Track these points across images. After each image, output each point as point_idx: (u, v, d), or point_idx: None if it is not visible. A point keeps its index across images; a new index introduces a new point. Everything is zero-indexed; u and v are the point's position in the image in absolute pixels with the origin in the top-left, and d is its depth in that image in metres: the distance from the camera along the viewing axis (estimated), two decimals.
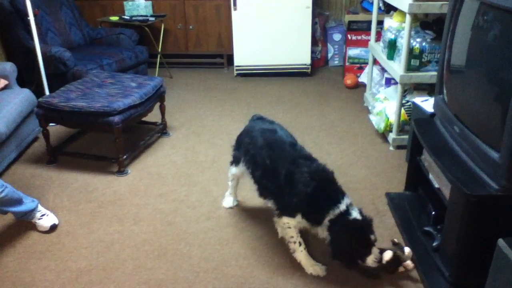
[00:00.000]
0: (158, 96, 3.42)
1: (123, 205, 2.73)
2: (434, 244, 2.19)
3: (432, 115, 2.56)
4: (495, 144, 1.79)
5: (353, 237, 2.02)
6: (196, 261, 2.27)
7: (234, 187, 2.65)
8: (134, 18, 4.83)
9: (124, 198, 2.80)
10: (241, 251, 2.33)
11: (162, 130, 3.61)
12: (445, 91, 2.36)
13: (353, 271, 2.15)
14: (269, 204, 2.26)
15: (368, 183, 2.93)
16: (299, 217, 2.12)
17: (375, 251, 2.04)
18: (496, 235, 1.72)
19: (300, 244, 2.19)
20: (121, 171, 3.06)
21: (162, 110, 3.56)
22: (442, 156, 2.11)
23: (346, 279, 2.14)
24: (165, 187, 2.91)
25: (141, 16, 4.88)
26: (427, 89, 3.39)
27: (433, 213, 2.30)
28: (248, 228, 2.49)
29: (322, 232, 2.11)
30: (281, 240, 2.38)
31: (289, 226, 2.17)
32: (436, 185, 2.23)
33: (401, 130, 3.38)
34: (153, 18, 4.83)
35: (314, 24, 5.06)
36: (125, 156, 3.08)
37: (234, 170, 2.53)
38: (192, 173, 3.08)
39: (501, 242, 1.68)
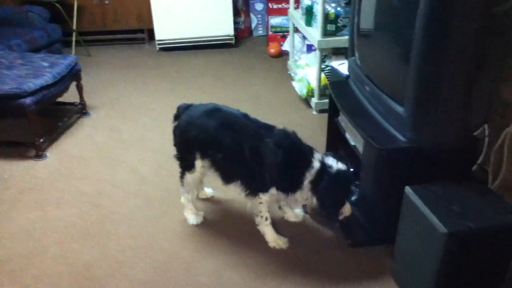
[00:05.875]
0: (73, 75, 3.26)
1: (43, 190, 2.62)
2: (353, 198, 2.31)
3: (348, 77, 2.65)
4: (400, 99, 1.90)
5: (344, 188, 2.05)
6: (124, 239, 2.24)
7: (194, 197, 2.35)
8: None
9: (45, 183, 2.68)
10: (170, 226, 2.33)
11: (81, 110, 3.46)
12: (357, 54, 2.45)
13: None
14: (237, 185, 2.14)
15: None
16: (273, 190, 2.06)
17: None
18: (405, 184, 1.84)
19: (266, 219, 2.17)
20: (39, 156, 2.92)
21: (79, 89, 3.41)
22: (355, 115, 2.20)
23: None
24: (88, 169, 2.82)
25: None
26: (344, 53, 3.49)
27: (352, 170, 2.41)
28: (177, 203, 2.45)
29: (302, 196, 2.06)
30: (209, 211, 2.42)
31: (261, 202, 2.11)
32: (352, 143, 2.33)
33: (322, 94, 3.47)
34: None
35: None
36: (42, 140, 2.94)
37: (190, 177, 2.23)
38: (117, 153, 3.00)
39: (407, 189, 1.81)
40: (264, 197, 2.09)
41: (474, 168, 2.33)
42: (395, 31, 2.01)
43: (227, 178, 2.16)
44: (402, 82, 1.84)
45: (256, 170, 2.02)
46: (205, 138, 2.08)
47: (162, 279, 2.00)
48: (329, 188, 2.00)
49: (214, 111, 2.14)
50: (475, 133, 2.06)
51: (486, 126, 2.24)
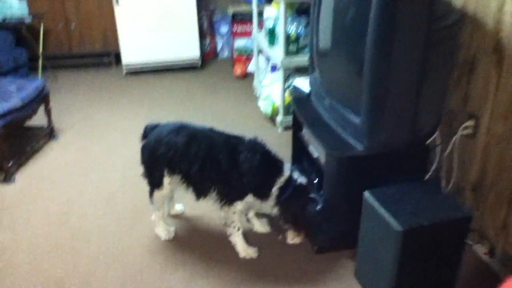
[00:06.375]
0: (41, 98, 3.29)
1: (12, 212, 2.62)
2: (318, 207, 2.42)
3: (309, 93, 2.80)
4: (356, 110, 2.04)
5: (303, 200, 2.16)
6: (94, 255, 2.27)
7: (164, 214, 2.42)
8: (7, 19, 4.54)
9: (13, 206, 2.68)
10: (140, 241, 2.37)
11: (49, 133, 3.47)
12: (317, 70, 2.60)
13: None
14: (212, 197, 2.20)
15: None
16: (249, 197, 2.14)
17: None
18: (364, 189, 1.97)
19: (238, 229, 2.25)
20: (7, 179, 2.91)
21: (48, 112, 3.43)
22: (316, 128, 2.33)
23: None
24: (57, 190, 2.84)
25: (16, 17, 4.61)
26: (307, 71, 3.65)
27: (316, 180, 2.53)
28: (146, 219, 2.50)
29: (270, 203, 2.17)
30: (179, 227, 2.47)
31: (235, 212, 2.18)
32: (315, 155, 2.45)
33: (287, 112, 3.61)
34: (29, 19, 4.59)
35: (200, 17, 5.16)
36: (10, 164, 2.94)
37: (159, 194, 2.29)
38: (85, 173, 3.03)
39: (366, 193, 1.94)
40: (238, 206, 2.17)
41: (429, 175, 2.49)
42: (349, 49, 2.17)
43: (201, 192, 2.20)
44: (357, 95, 1.99)
45: (233, 177, 2.09)
46: (175, 154, 2.14)
47: None
48: (291, 198, 2.13)
49: (182, 128, 2.20)
50: (427, 142, 2.22)
51: (437, 134, 2.42)
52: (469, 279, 2.06)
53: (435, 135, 2.40)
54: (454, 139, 2.33)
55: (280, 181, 2.13)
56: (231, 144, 2.13)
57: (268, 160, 2.15)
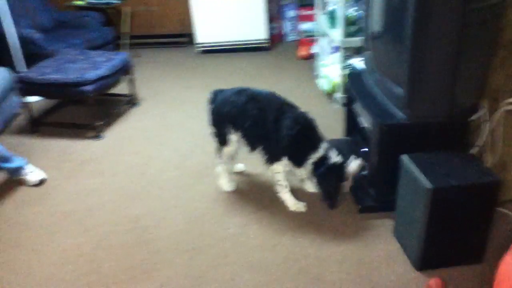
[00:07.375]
0: (126, 69, 3.77)
1: (100, 162, 3.11)
2: (364, 172, 2.65)
3: (363, 70, 3.01)
4: (400, 83, 2.25)
5: (336, 179, 2.39)
6: (167, 199, 2.68)
7: (228, 168, 2.72)
8: (98, 1, 5.12)
9: (101, 157, 3.17)
10: (205, 191, 2.75)
11: (132, 100, 3.97)
12: (369, 49, 2.80)
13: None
14: (259, 151, 2.50)
15: None
16: (285, 160, 2.41)
17: None
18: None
19: (286, 186, 2.54)
20: (96, 136, 3.42)
21: (131, 82, 3.91)
22: (366, 100, 2.56)
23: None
24: (138, 147, 3.30)
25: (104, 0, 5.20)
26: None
27: (364, 149, 2.75)
28: (211, 174, 2.86)
29: (306, 173, 2.43)
30: (239, 182, 2.81)
31: (278, 171, 2.49)
32: (364, 125, 2.67)
33: (345, 89, 3.82)
34: (115, 1, 5.14)
35: (268, 2, 5.44)
36: (99, 123, 3.44)
37: (226, 150, 2.61)
38: (162, 135, 3.47)
39: (404, 157, 2.15)
40: (278, 167, 2.45)
41: (475, 149, 2.63)
42: (394, 27, 2.36)
43: (252, 144, 2.52)
44: (400, 69, 2.19)
45: (274, 140, 2.39)
46: (236, 111, 2.47)
47: (198, 229, 2.42)
48: (323, 175, 2.37)
49: (244, 90, 2.55)
50: (472, 118, 2.36)
51: (484, 110, 2.55)
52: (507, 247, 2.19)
53: (482, 111, 2.53)
54: (497, 114, 2.45)
55: (315, 156, 2.36)
56: (282, 110, 2.40)
57: (306, 134, 2.39)
